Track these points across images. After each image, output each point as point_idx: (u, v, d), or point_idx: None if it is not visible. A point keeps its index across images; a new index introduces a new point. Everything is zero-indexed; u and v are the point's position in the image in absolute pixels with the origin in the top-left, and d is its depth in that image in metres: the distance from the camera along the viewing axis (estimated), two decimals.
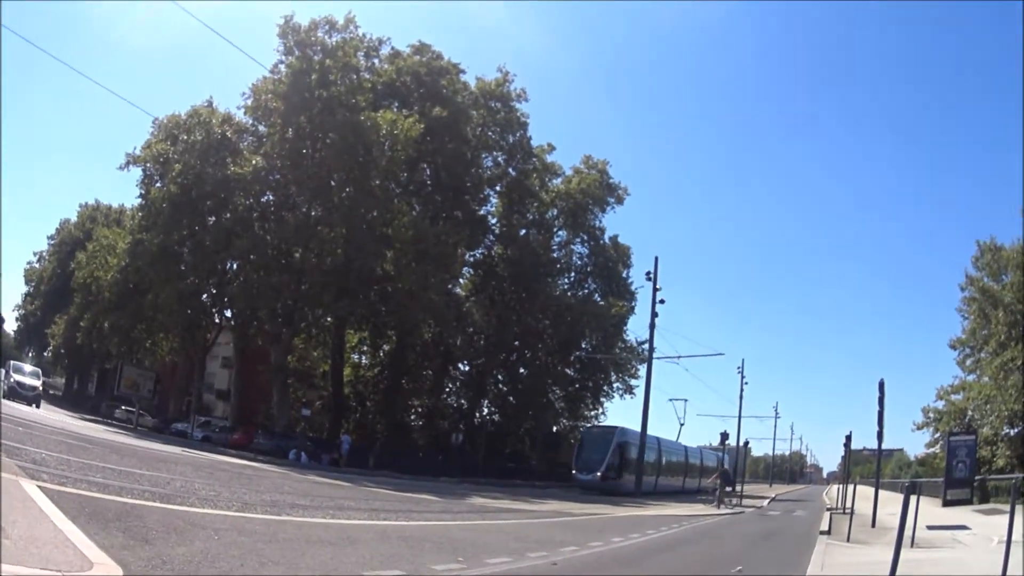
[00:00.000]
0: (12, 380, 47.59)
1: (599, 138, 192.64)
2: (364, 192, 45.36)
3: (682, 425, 60.60)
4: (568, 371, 64.79)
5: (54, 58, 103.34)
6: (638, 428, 50.17)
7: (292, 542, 10.88)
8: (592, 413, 66.31)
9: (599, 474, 46.37)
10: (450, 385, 66.37)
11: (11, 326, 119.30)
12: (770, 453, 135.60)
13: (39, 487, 10.69)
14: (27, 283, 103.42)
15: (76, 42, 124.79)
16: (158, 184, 51.66)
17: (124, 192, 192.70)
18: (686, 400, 64.55)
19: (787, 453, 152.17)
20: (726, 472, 45.15)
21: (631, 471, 48.09)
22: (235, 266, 51.67)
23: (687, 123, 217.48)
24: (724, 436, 50.71)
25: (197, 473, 20.02)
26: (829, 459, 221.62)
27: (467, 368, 65.30)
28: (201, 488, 16.06)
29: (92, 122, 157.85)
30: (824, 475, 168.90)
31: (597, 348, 61.74)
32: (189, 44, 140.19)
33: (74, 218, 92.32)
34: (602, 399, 66.52)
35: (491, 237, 61.39)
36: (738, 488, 47.74)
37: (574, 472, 48.78)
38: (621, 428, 50.88)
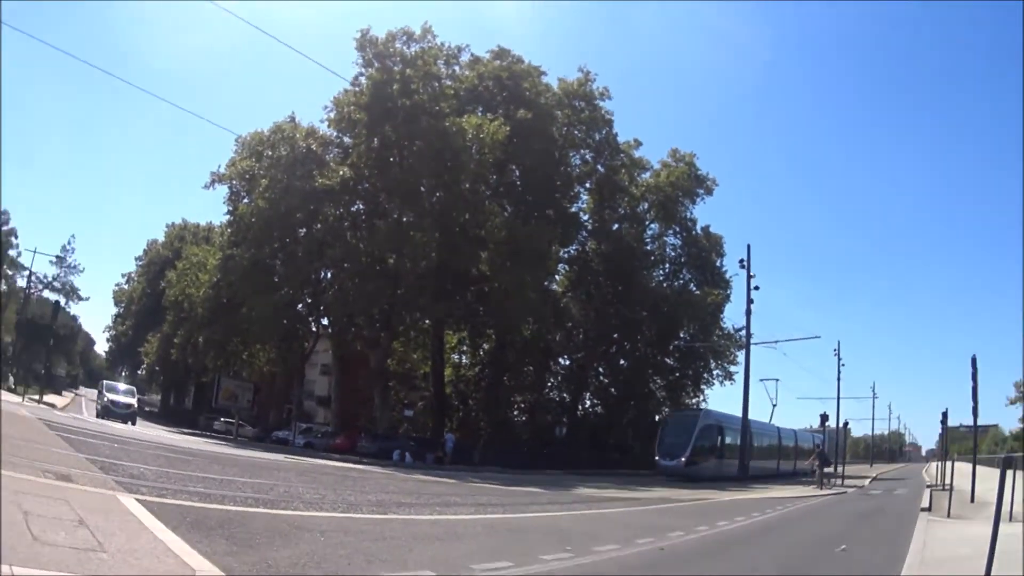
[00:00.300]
0: (106, 399, 49.57)
1: (685, 130, 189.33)
2: (454, 196, 45.74)
3: (774, 406, 59.39)
4: (668, 360, 65.18)
5: (124, 81, 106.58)
6: (737, 412, 49.54)
7: (399, 539, 10.87)
8: (693, 400, 65.79)
9: (683, 460, 43.80)
10: (551, 380, 66.41)
11: (102, 347, 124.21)
12: (869, 433, 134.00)
13: (137, 500, 10.73)
14: (116, 304, 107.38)
15: (138, 62, 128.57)
16: (245, 200, 52.64)
17: (209, 210, 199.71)
18: (777, 380, 63.81)
19: (886, 433, 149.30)
20: (823, 453, 43.86)
21: (717, 455, 46.81)
22: (329, 275, 52.54)
23: (775, 110, 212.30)
24: (824, 417, 49.51)
25: (300, 478, 20.22)
26: (927, 437, 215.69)
27: (568, 362, 65.47)
28: (305, 492, 16.20)
29: (170, 144, 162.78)
30: (923, 453, 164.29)
31: (695, 337, 62.05)
32: (252, 56, 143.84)
33: (162, 238, 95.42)
34: (702, 386, 66.37)
35: (584, 233, 61.52)
36: (838, 469, 46.41)
37: (656, 458, 46.04)
38: (705, 410, 50.21)
